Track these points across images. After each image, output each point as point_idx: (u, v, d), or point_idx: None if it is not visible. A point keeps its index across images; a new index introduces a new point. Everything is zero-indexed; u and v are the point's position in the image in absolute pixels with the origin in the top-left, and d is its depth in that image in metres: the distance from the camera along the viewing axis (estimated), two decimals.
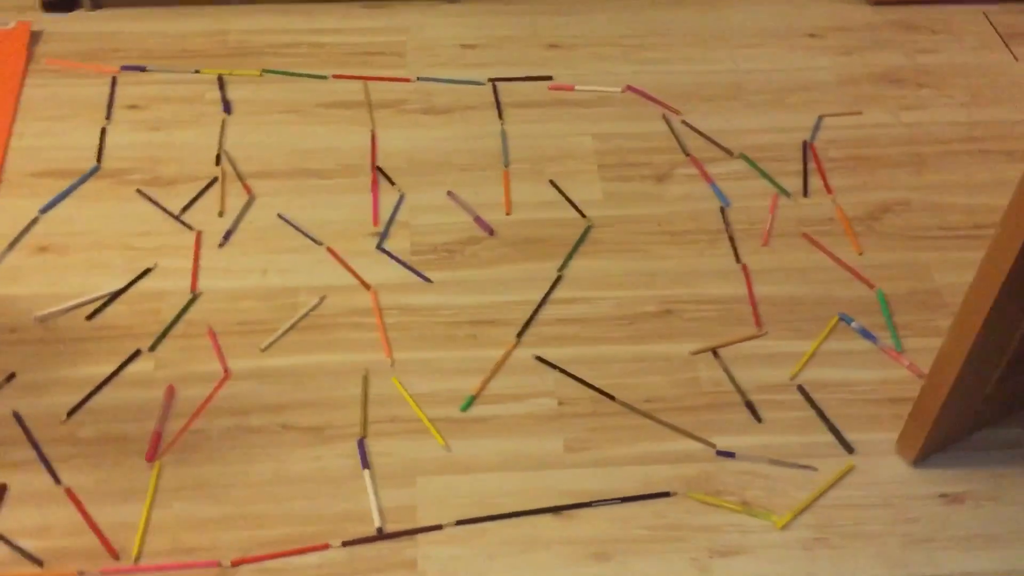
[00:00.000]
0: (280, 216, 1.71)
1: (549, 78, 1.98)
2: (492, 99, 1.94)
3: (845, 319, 1.59)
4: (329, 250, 1.67)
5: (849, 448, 1.43)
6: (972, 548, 1.33)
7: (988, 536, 1.35)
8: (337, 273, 1.63)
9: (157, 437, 1.42)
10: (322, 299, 1.60)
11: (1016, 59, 2.06)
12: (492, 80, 1.97)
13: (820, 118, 1.92)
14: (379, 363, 1.52)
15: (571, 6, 2.14)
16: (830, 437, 1.45)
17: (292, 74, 1.97)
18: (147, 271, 1.62)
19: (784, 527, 1.35)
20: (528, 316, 1.58)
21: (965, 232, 1.74)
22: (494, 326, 1.57)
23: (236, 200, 1.74)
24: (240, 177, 1.77)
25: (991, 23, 2.13)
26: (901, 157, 1.86)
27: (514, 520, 1.35)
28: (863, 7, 2.17)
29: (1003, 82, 2.01)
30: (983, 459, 1.42)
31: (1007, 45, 2.09)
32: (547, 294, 1.61)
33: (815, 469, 1.41)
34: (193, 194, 1.74)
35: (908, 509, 1.37)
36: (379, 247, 1.67)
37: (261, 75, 1.97)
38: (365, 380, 1.50)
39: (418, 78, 1.97)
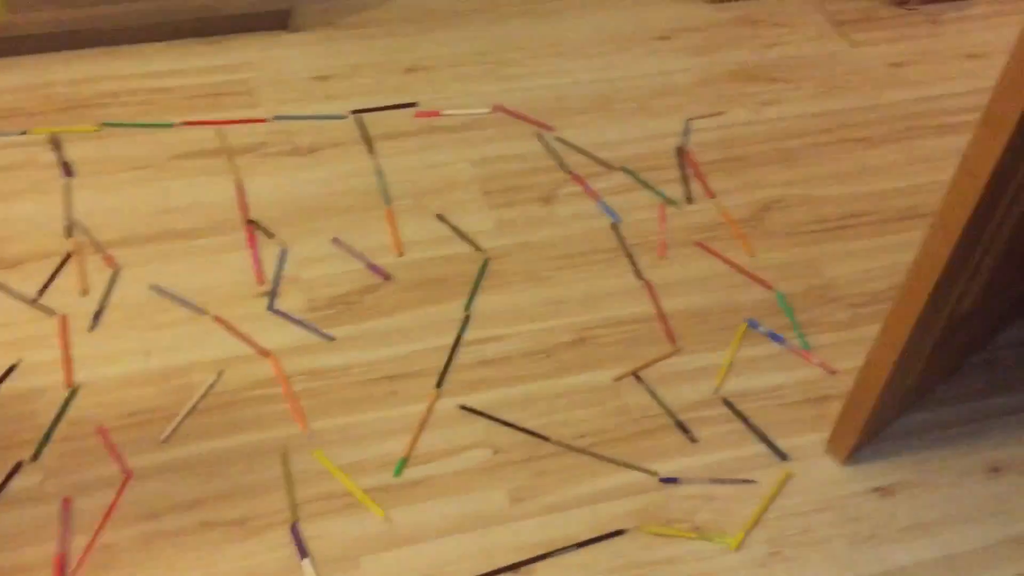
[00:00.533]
0: (153, 287, 1.56)
1: (414, 104, 1.90)
2: (358, 133, 1.84)
3: (753, 324, 1.61)
4: (216, 319, 1.54)
5: (782, 455, 1.45)
6: (911, 538, 1.38)
7: (923, 524, 1.40)
8: (230, 343, 1.51)
9: (61, 560, 1.26)
10: (219, 375, 1.47)
11: (852, 46, 2.16)
12: (354, 112, 1.88)
13: (687, 121, 1.94)
14: (296, 437, 1.41)
15: (421, 25, 2.07)
16: (763, 447, 1.46)
17: (135, 125, 1.80)
18: (11, 369, 1.44)
19: (739, 547, 1.35)
20: (444, 363, 1.51)
21: (839, 223, 1.80)
22: (410, 378, 1.50)
23: (99, 275, 1.57)
24: (99, 248, 1.61)
25: (823, 12, 2.22)
26: (770, 153, 1.90)
27: None
28: (703, 6, 2.21)
29: (845, 69, 2.10)
30: (904, 447, 1.48)
31: (840, 33, 2.17)
32: (458, 337, 1.55)
33: (755, 482, 1.42)
34: (47, 274, 1.56)
35: (848, 509, 1.40)
36: (270, 308, 1.56)
37: (100, 130, 1.79)
38: (284, 458, 1.39)
39: (275, 117, 1.85)
